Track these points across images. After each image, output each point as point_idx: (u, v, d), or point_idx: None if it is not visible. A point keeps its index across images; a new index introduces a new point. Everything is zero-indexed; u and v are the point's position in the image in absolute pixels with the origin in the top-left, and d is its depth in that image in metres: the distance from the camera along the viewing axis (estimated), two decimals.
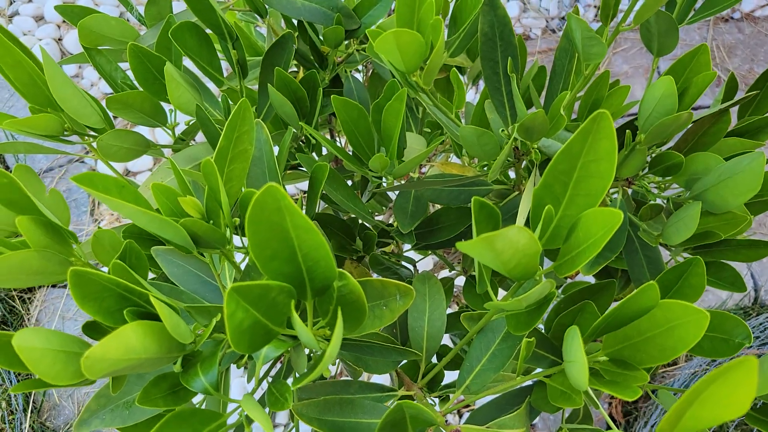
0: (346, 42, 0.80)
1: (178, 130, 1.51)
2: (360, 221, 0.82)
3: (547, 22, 1.71)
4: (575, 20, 0.48)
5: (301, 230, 0.37)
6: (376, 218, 0.84)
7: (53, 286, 1.39)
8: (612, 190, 0.66)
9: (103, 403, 0.55)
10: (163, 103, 0.66)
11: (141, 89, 0.62)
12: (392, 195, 1.07)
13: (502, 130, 0.59)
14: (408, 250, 0.84)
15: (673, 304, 0.38)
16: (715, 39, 1.72)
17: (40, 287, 1.39)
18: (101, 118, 0.60)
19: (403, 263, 0.79)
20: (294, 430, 0.58)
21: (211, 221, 0.48)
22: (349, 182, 0.88)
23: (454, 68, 0.56)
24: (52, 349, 0.42)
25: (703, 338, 0.57)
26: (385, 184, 0.66)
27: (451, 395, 0.62)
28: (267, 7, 0.74)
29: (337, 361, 0.65)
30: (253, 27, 0.86)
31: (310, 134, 0.69)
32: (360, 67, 0.97)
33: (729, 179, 0.52)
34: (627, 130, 0.58)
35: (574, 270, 0.42)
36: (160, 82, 0.61)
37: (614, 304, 0.42)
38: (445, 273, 1.14)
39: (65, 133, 0.58)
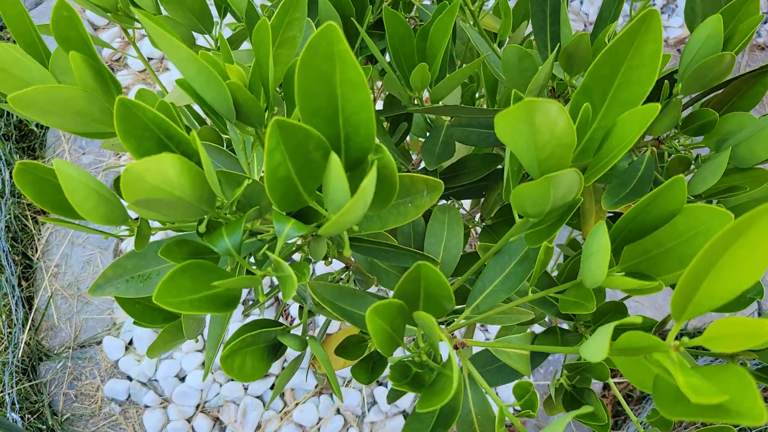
0: None
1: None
2: None
3: (585, 26, 1.72)
4: None
5: (349, 85, 0.38)
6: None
7: None
8: (641, 150, 0.67)
9: (119, 272, 0.56)
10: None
11: None
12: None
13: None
14: None
15: (698, 208, 0.39)
16: (749, 65, 1.72)
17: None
18: (152, 3, 0.61)
19: None
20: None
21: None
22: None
23: None
24: (87, 184, 0.43)
25: None
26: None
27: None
28: None
29: (349, 275, 0.66)
30: None
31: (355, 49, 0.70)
32: None
33: (761, 131, 0.53)
34: (665, 81, 0.59)
35: (602, 173, 0.43)
36: None
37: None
38: None
39: (117, 12, 0.60)
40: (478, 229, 0.82)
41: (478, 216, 0.85)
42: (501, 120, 0.37)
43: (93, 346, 1.30)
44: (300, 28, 0.51)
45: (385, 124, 0.91)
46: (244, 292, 1.49)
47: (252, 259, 0.59)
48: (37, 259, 1.35)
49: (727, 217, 0.37)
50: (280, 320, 0.60)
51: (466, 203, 1.28)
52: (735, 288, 0.31)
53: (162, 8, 0.64)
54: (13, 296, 1.26)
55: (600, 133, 0.45)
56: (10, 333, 1.23)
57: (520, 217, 0.50)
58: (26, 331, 1.25)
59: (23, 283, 1.30)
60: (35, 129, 1.46)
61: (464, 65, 0.87)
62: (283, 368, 1.43)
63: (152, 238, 0.50)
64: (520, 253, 0.55)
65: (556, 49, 0.51)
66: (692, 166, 0.63)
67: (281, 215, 0.46)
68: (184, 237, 0.49)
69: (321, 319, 1.47)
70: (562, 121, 0.38)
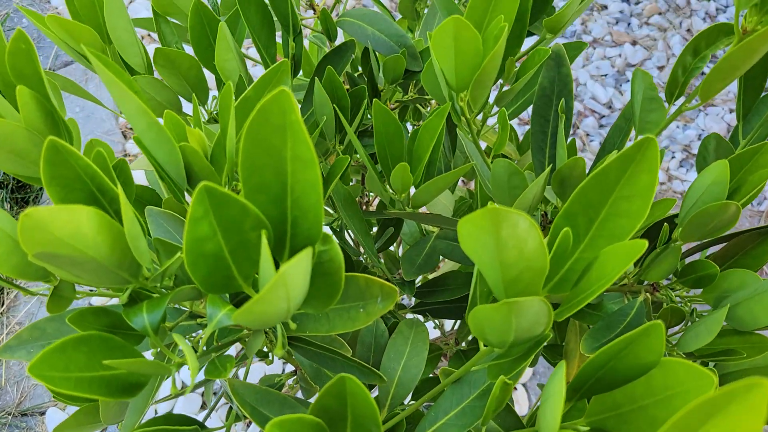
0: (403, 90, 0.80)
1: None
2: (363, 265, 0.78)
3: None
4: (640, 76, 0.46)
5: (300, 162, 0.34)
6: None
7: None
8: (635, 294, 0.62)
9: (36, 335, 0.50)
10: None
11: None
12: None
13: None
14: (405, 311, 0.79)
15: (676, 364, 0.33)
16: None
17: None
18: (144, 64, 0.59)
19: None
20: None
21: (213, 168, 0.45)
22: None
23: (503, 108, 0.54)
24: (1, 228, 0.38)
25: None
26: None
27: None
28: (339, 33, 0.74)
29: (296, 380, 0.59)
30: (317, 50, 0.87)
31: (339, 152, 0.67)
32: (409, 127, 0.97)
33: (764, 293, 0.48)
34: (665, 224, 0.54)
35: (575, 310, 0.37)
36: (212, 49, 0.60)
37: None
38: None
39: None
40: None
41: (454, 339, 0.79)
42: (463, 228, 0.33)
43: (35, 416, 1.20)
44: None
45: (374, 230, 0.87)
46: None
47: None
48: (1, 313, 1.29)
49: (709, 380, 0.31)
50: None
51: (449, 324, 1.22)
52: None
53: (155, 70, 0.62)
54: None
55: (581, 265, 0.40)
56: None
57: (485, 345, 0.45)
58: None
59: None
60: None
61: (463, 180, 0.83)
62: None
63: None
64: (481, 385, 0.49)
65: (548, 170, 0.47)
66: (687, 321, 0.57)
67: (217, 299, 0.41)
68: (108, 307, 0.44)
69: None
70: (533, 240, 0.33)
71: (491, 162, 0.53)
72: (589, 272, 0.38)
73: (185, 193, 0.53)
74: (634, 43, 1.88)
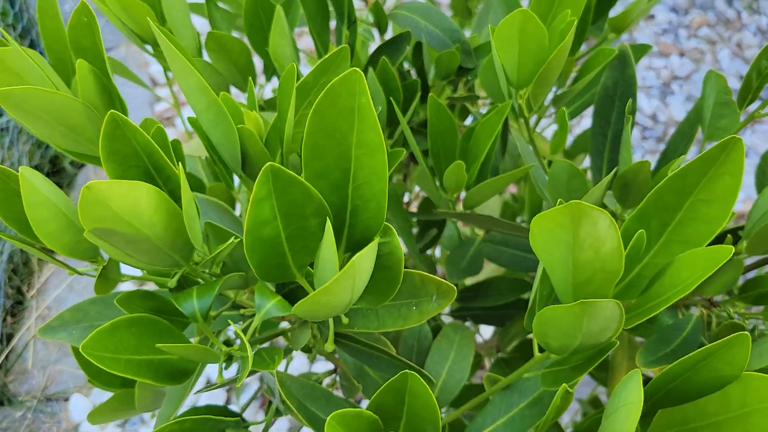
0: (454, 87, 0.78)
1: None
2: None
3: None
4: (714, 78, 0.44)
5: (366, 148, 0.33)
6: None
7: None
8: (690, 308, 0.59)
9: (78, 317, 0.50)
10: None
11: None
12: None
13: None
14: (446, 314, 0.77)
15: (760, 380, 0.31)
16: None
17: None
18: (195, 47, 0.58)
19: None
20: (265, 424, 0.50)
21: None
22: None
23: (563, 108, 0.52)
24: (56, 204, 0.38)
25: None
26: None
27: None
28: (389, 25, 0.73)
29: (335, 376, 0.57)
30: (367, 45, 0.86)
31: (395, 137, 0.65)
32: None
33: None
34: (728, 235, 0.52)
35: (645, 317, 0.36)
36: (265, 35, 0.59)
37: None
38: None
39: (156, 47, 0.57)
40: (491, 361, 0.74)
41: (495, 347, 0.77)
42: (538, 225, 0.31)
43: (59, 402, 1.21)
44: None
45: (414, 230, 0.85)
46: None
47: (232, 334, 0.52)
48: (31, 297, 1.30)
49: None
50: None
51: (486, 331, 1.20)
52: None
53: (205, 53, 0.61)
54: None
55: (651, 270, 0.38)
56: None
57: (541, 351, 0.43)
58: None
59: (8, 318, 1.23)
60: (68, 167, 1.45)
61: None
62: None
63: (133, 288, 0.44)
64: (532, 393, 0.47)
65: (612, 173, 0.45)
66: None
67: (265, 288, 0.40)
68: (154, 292, 0.43)
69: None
70: (611, 242, 0.31)
71: (549, 163, 0.51)
72: (662, 278, 0.36)
73: (234, 179, 0.52)
74: (681, 54, 1.84)
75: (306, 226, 0.34)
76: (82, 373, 1.26)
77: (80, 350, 0.32)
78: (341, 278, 0.28)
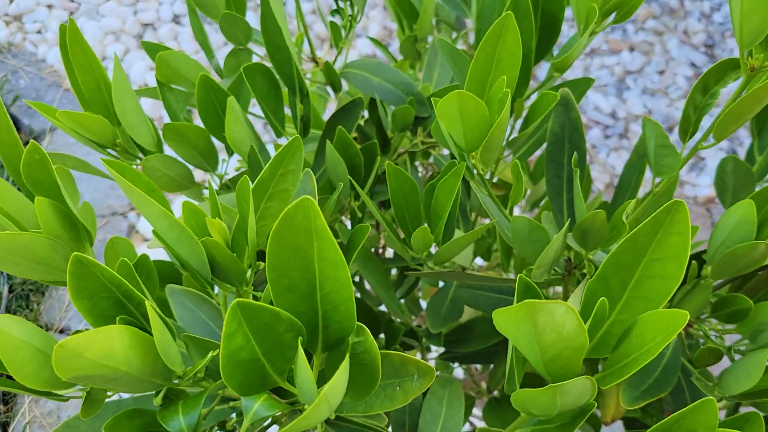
0: (411, 136, 0.80)
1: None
2: (387, 317, 0.77)
3: (610, 178, 1.71)
4: (650, 125, 0.46)
5: (328, 263, 0.34)
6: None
7: (60, 331, 1.35)
8: None
9: None
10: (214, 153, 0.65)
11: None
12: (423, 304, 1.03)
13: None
14: (433, 357, 0.78)
15: None
16: None
17: (47, 331, 1.36)
18: (154, 141, 0.59)
19: None
20: None
21: (235, 254, 0.45)
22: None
23: (516, 159, 0.53)
24: (31, 344, 0.38)
25: None
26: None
27: None
28: (343, 82, 0.74)
29: None
30: (323, 103, 0.87)
31: (355, 208, 0.66)
32: (420, 169, 0.96)
33: None
34: (693, 262, 0.54)
35: (621, 379, 0.37)
36: (221, 119, 0.60)
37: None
38: None
39: (115, 148, 0.57)
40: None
41: (484, 383, 0.78)
42: (500, 318, 0.32)
43: None
44: (294, 182, 0.47)
45: (393, 272, 0.86)
46: None
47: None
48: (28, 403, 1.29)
49: None
50: None
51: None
52: None
53: (165, 145, 0.62)
54: None
55: (618, 328, 0.39)
56: None
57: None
58: None
59: (1, 407, 1.22)
60: None
61: (479, 218, 0.83)
62: None
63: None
64: None
65: (567, 223, 0.47)
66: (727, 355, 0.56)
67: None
68: (138, 407, 0.43)
69: None
70: (571, 323, 0.32)
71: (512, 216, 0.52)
72: (628, 337, 0.38)
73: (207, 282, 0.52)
74: (631, 49, 1.88)
75: (280, 340, 0.35)
76: None
77: None
78: (317, 406, 0.29)
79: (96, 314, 0.38)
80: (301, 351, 0.32)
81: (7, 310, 1.30)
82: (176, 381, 0.40)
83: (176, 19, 1.97)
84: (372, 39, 0.98)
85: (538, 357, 0.34)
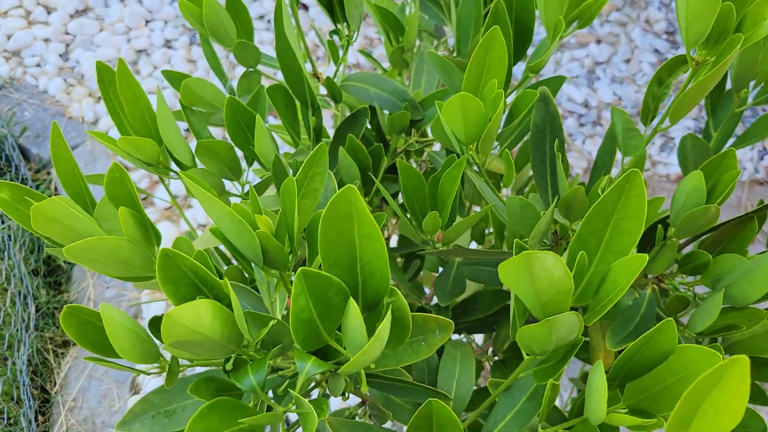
0: (407, 135, 0.89)
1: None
2: None
3: (588, 163, 1.81)
4: (617, 113, 0.56)
5: (366, 238, 0.43)
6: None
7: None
8: (644, 288, 0.70)
9: (146, 408, 0.59)
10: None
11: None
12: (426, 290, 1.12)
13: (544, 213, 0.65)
14: None
15: (689, 349, 0.42)
16: (749, 200, 1.79)
17: (74, 344, 1.44)
18: (190, 157, 0.68)
19: None
20: None
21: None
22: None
23: (507, 150, 0.63)
24: (127, 326, 0.47)
25: None
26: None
27: None
28: (342, 93, 0.84)
29: (365, 410, 0.67)
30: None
31: (371, 195, 0.76)
32: (414, 165, 1.06)
33: (749, 274, 0.57)
34: (659, 225, 0.63)
35: (600, 315, 0.46)
36: (246, 135, 0.69)
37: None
38: None
39: (159, 165, 0.66)
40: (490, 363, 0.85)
41: (490, 350, 0.88)
42: (504, 269, 0.42)
43: None
44: (322, 181, 0.57)
45: (399, 260, 0.96)
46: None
47: (270, 393, 0.62)
48: (55, 393, 1.37)
49: (716, 358, 0.40)
50: None
51: (479, 337, 1.30)
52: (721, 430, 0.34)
53: (197, 160, 0.71)
54: (30, 407, 1.27)
55: (597, 277, 0.49)
56: None
57: (528, 354, 0.53)
58: None
59: (40, 417, 1.31)
60: (63, 265, 1.52)
61: (473, 206, 0.93)
62: None
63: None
64: (529, 389, 0.57)
65: (555, 201, 0.56)
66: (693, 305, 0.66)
67: (303, 353, 0.50)
68: (210, 374, 0.52)
69: None
70: (558, 270, 0.42)
71: (506, 198, 0.62)
72: (604, 283, 0.47)
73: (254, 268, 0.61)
74: (598, 41, 1.99)
75: (331, 303, 0.44)
76: None
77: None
78: (373, 343, 0.38)
79: (179, 297, 0.47)
80: (352, 303, 0.41)
81: (36, 328, 1.38)
82: (243, 347, 0.50)
83: (168, 44, 2.06)
84: (362, 51, 1.07)
85: (535, 301, 0.44)
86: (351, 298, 0.42)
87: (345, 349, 0.47)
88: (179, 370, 0.54)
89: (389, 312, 0.40)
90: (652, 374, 0.45)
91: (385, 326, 0.39)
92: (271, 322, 0.49)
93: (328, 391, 0.58)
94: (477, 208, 1.60)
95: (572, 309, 0.50)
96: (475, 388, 0.74)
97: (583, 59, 1.96)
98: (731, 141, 0.83)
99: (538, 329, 0.43)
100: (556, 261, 0.41)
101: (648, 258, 0.69)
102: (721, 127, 0.83)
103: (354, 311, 0.41)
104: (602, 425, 0.48)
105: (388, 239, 1.05)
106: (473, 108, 0.52)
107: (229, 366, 0.50)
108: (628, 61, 1.95)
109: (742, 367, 0.31)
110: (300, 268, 0.40)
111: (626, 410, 0.48)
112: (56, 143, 0.56)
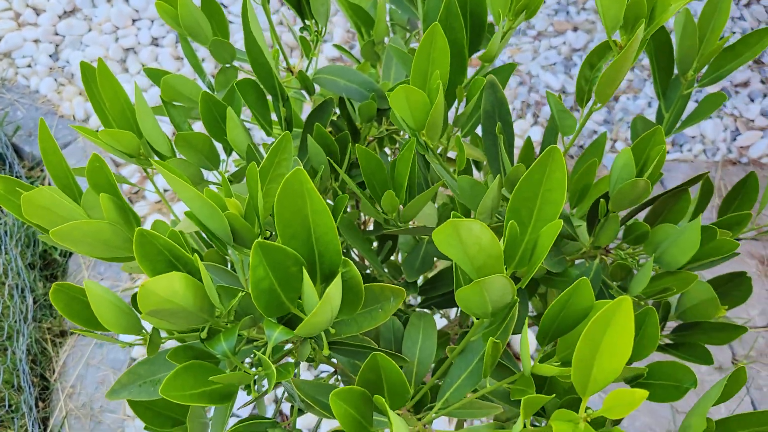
0: (377, 123, 0.94)
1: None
2: (372, 277, 0.92)
3: (563, 146, 1.87)
4: (551, 97, 0.61)
5: (318, 214, 0.48)
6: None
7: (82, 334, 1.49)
8: (592, 258, 0.76)
9: (133, 378, 0.64)
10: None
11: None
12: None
13: None
14: (416, 305, 0.93)
15: (602, 303, 0.47)
16: (723, 179, 1.84)
17: (72, 333, 1.50)
18: (169, 149, 0.73)
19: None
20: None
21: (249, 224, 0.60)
22: None
23: (458, 135, 0.68)
24: (110, 300, 0.53)
25: (656, 386, 0.65)
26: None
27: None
28: (315, 86, 0.89)
29: (336, 376, 0.73)
30: (300, 104, 1.01)
31: (336, 188, 0.81)
32: (387, 150, 1.11)
33: (678, 239, 0.62)
34: (601, 200, 0.69)
35: (530, 277, 0.52)
36: (221, 127, 0.75)
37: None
38: None
39: (139, 156, 0.72)
40: None
41: (458, 324, 0.93)
42: (437, 236, 0.47)
43: None
44: (287, 167, 0.62)
45: (375, 244, 1.01)
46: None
47: (250, 362, 0.67)
48: (54, 380, 1.43)
49: (626, 301, 0.46)
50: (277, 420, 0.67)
51: (454, 313, 1.36)
52: (617, 367, 0.39)
53: (176, 150, 0.76)
54: (30, 417, 1.33)
55: (531, 245, 0.54)
56: None
57: (477, 318, 0.59)
58: None
59: (40, 404, 1.36)
60: (58, 258, 1.58)
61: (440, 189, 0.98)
62: None
63: (162, 348, 0.59)
64: (480, 351, 0.63)
65: (497, 179, 0.62)
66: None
67: (271, 322, 0.55)
68: (189, 344, 0.58)
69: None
70: (486, 237, 0.47)
71: (457, 177, 0.67)
72: (536, 248, 0.53)
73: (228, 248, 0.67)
74: (575, 29, 2.04)
75: (290, 273, 0.50)
76: None
77: (160, 392, 0.47)
78: (323, 305, 0.44)
79: (156, 273, 0.52)
80: (306, 275, 0.47)
81: (33, 319, 1.44)
82: (216, 318, 0.55)
83: (155, 42, 2.11)
84: (337, 46, 1.12)
85: (470, 266, 0.50)
86: (304, 267, 0.48)
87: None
88: (161, 342, 0.60)
89: (338, 277, 0.46)
90: (576, 330, 0.51)
91: (332, 290, 0.45)
92: (240, 294, 0.55)
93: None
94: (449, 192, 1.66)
95: (514, 276, 0.56)
96: (444, 357, 0.80)
97: (560, 47, 2.02)
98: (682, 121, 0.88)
99: (471, 291, 0.48)
100: (482, 228, 0.47)
101: (596, 231, 0.75)
102: (672, 107, 0.89)
103: (307, 279, 0.47)
104: (535, 376, 0.54)
105: (365, 224, 1.11)
106: (416, 98, 0.58)
107: (203, 334, 0.55)
108: None
109: (626, 306, 0.37)
110: (256, 241, 0.46)
111: (559, 363, 0.53)
112: (44, 138, 0.61)
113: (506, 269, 0.54)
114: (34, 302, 1.48)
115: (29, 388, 1.34)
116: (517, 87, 1.95)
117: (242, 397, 1.45)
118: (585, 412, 0.42)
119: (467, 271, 0.51)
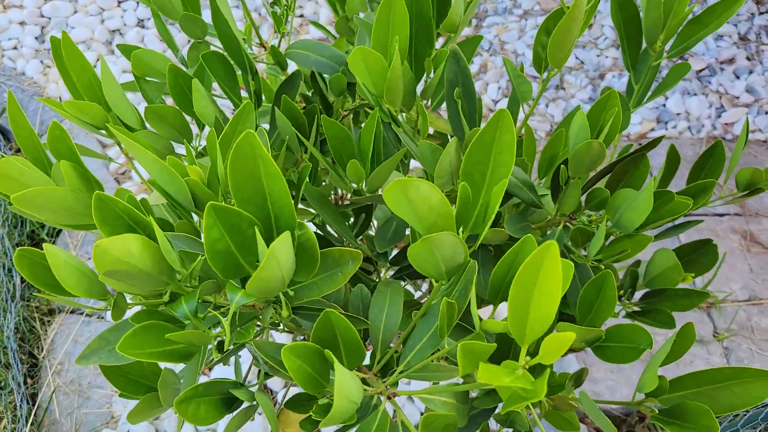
0: (351, 98, 0.95)
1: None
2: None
3: (551, 126, 1.88)
4: (508, 63, 0.62)
5: (272, 178, 0.50)
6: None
7: (71, 312, 1.51)
8: (556, 225, 0.77)
9: (103, 344, 0.66)
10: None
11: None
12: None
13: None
14: (390, 277, 0.95)
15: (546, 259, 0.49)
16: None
17: (60, 312, 1.51)
18: (138, 122, 0.74)
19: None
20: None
21: (211, 192, 0.61)
22: None
23: (421, 101, 0.70)
24: (71, 264, 0.54)
25: (614, 348, 0.67)
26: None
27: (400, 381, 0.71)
28: (287, 61, 0.90)
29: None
30: (276, 79, 1.02)
31: (306, 160, 0.82)
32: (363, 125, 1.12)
33: (634, 203, 0.64)
34: (562, 166, 0.70)
35: (483, 236, 0.53)
36: (189, 99, 0.76)
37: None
38: None
39: (107, 129, 0.73)
40: None
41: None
42: (386, 196, 0.48)
43: None
44: None
45: (351, 219, 1.03)
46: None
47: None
48: (43, 357, 1.45)
49: (567, 264, 0.47)
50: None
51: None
52: (550, 311, 0.41)
53: (147, 123, 0.77)
54: (19, 393, 1.34)
55: (484, 207, 0.56)
56: (14, 429, 1.31)
57: (436, 282, 0.60)
58: (28, 425, 1.32)
59: (29, 380, 1.38)
60: (46, 238, 1.59)
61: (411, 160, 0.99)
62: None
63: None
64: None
65: (454, 140, 0.63)
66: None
67: (233, 286, 0.57)
68: (154, 309, 0.59)
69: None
70: (435, 196, 0.48)
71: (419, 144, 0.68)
72: (488, 206, 0.54)
73: (193, 216, 0.68)
74: None
75: (245, 236, 0.51)
76: (106, 411, 1.42)
77: (117, 348, 0.48)
78: (268, 260, 0.45)
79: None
80: (258, 234, 0.48)
81: (22, 298, 1.45)
82: (179, 282, 0.56)
83: (141, 23, 2.11)
84: (315, 23, 1.13)
85: (420, 226, 0.51)
86: (256, 228, 0.49)
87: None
88: (126, 307, 0.61)
89: (286, 234, 0.47)
90: None
91: (277, 245, 0.46)
92: (200, 257, 0.56)
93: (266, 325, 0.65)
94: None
95: (471, 236, 0.57)
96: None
97: None
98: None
99: (421, 247, 0.49)
100: (431, 187, 0.48)
101: (560, 199, 0.76)
102: (642, 79, 0.89)
103: (259, 238, 0.48)
104: (487, 333, 0.55)
105: (343, 199, 1.12)
106: (373, 60, 0.59)
107: (165, 298, 0.57)
108: (590, 26, 2.00)
109: (554, 251, 0.38)
110: (209, 203, 0.47)
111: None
112: (13, 111, 0.62)
113: (462, 232, 0.55)
114: (22, 282, 1.50)
115: (17, 365, 1.35)
116: (503, 66, 1.95)
117: (228, 371, 1.47)
118: (524, 359, 0.43)
119: (418, 230, 0.52)
